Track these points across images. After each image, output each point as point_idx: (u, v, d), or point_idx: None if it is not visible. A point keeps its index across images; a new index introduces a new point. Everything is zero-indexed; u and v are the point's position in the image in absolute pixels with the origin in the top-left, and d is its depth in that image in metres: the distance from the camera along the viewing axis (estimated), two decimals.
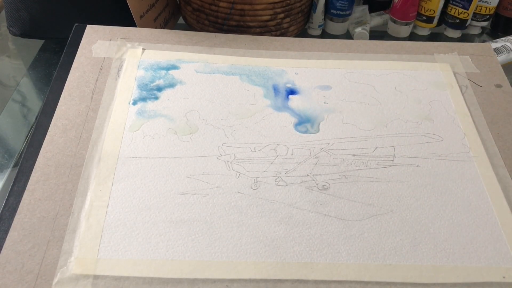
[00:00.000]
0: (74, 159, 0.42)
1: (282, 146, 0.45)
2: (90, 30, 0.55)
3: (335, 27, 0.68)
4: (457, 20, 0.68)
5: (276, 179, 0.42)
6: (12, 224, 0.37)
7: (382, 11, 0.72)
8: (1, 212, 0.38)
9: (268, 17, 0.60)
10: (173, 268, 0.36)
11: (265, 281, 0.35)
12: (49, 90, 0.48)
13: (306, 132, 0.46)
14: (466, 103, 0.50)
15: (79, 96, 0.47)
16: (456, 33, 0.71)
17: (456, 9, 0.68)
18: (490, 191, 0.42)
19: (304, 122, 0.47)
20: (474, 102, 0.50)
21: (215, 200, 0.40)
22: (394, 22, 0.69)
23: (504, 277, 0.36)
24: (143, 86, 0.49)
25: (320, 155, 0.44)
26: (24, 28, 0.61)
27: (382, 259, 0.37)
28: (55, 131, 0.44)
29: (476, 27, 0.71)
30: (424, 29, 0.70)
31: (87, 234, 0.37)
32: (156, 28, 0.62)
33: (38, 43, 0.65)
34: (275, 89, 0.50)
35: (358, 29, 0.67)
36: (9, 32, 0.62)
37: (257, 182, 0.42)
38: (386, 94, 0.51)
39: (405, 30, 0.69)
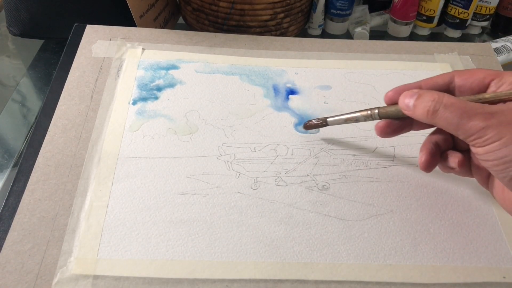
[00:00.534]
0: (74, 159, 0.42)
1: (282, 146, 0.45)
2: (90, 30, 0.55)
3: (335, 27, 0.68)
4: (457, 20, 0.68)
5: (276, 179, 0.42)
6: (12, 224, 0.37)
7: (382, 11, 0.72)
8: (1, 212, 0.38)
9: (268, 17, 0.60)
10: (173, 268, 0.36)
11: (265, 281, 0.35)
12: (49, 90, 0.48)
13: (306, 132, 0.46)
14: None
15: (79, 96, 0.47)
16: (456, 33, 0.71)
17: (456, 9, 0.68)
18: None
19: (304, 122, 0.47)
20: None
21: (215, 200, 0.40)
22: (394, 22, 0.69)
23: (504, 277, 0.36)
24: (143, 86, 0.49)
25: (320, 155, 0.44)
26: (24, 28, 0.61)
27: (382, 259, 0.37)
28: (55, 131, 0.44)
29: (476, 27, 0.71)
30: (424, 29, 0.70)
31: (87, 234, 0.37)
32: (156, 28, 0.62)
33: (38, 43, 0.65)
34: (275, 89, 0.50)
35: (358, 29, 0.67)
36: (9, 32, 0.62)
37: (257, 182, 0.42)
38: None
39: (405, 30, 0.69)
